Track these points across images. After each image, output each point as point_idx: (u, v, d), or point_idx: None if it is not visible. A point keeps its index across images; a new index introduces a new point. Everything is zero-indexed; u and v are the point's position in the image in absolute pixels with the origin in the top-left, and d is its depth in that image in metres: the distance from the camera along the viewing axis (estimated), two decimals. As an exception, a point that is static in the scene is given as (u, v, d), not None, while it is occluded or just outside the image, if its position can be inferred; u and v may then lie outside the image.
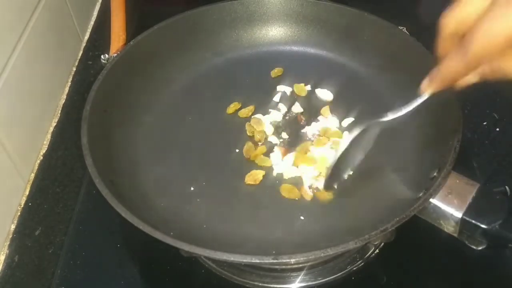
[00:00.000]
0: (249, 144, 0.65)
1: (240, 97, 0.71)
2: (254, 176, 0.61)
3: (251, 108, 0.69)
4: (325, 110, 0.69)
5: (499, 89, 0.74)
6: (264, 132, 0.67)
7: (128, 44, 0.70)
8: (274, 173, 0.63)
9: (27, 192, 0.67)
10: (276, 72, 0.74)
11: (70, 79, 0.82)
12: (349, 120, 0.67)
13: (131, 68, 0.68)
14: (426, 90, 0.47)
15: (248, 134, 0.67)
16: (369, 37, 0.72)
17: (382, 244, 0.59)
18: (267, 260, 0.47)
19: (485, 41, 0.37)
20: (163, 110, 0.70)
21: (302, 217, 0.58)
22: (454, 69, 0.42)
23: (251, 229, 0.57)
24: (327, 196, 0.59)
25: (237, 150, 0.65)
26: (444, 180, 0.52)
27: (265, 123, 0.67)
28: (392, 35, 0.69)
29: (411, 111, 0.51)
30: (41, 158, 0.71)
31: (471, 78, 0.43)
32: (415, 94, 0.49)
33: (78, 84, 0.80)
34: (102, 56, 0.78)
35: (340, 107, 0.69)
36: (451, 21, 0.42)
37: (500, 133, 0.70)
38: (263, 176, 0.62)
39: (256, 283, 0.58)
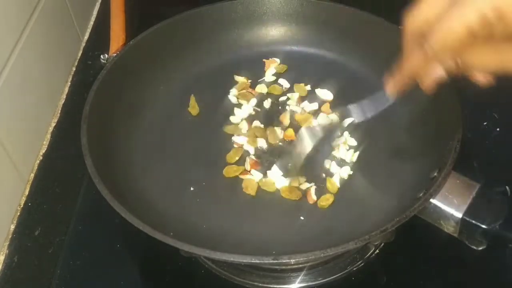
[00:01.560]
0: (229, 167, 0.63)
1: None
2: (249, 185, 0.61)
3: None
4: (326, 107, 0.69)
5: (499, 89, 0.74)
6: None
7: (128, 44, 0.70)
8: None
9: (27, 192, 0.67)
10: (281, 67, 0.74)
11: (70, 79, 0.82)
12: (349, 120, 0.67)
13: (131, 68, 0.68)
14: (392, 90, 0.49)
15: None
16: (369, 37, 0.72)
17: (382, 244, 0.59)
18: (267, 260, 0.47)
19: (444, 37, 0.39)
20: (163, 110, 0.70)
21: (302, 218, 0.58)
22: (416, 65, 0.44)
23: (251, 229, 0.57)
24: (328, 201, 0.59)
25: (237, 150, 0.65)
26: (444, 180, 0.52)
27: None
28: (392, 35, 0.69)
29: (378, 113, 0.54)
30: (41, 158, 0.71)
31: (438, 73, 0.44)
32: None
33: (78, 84, 0.80)
34: (102, 56, 0.78)
35: (340, 107, 0.69)
36: (415, 21, 0.43)
37: (500, 133, 0.70)
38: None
39: (256, 283, 0.58)
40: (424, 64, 0.43)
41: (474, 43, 0.39)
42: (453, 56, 0.41)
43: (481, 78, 0.44)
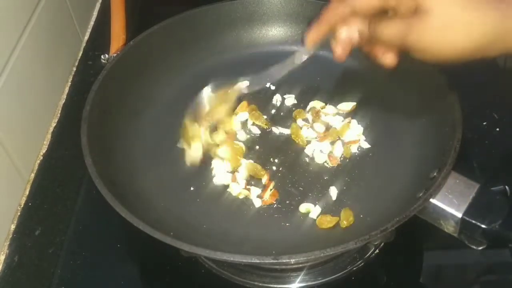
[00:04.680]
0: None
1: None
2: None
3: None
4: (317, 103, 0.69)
5: (499, 89, 0.74)
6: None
7: (128, 44, 0.70)
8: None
9: (27, 192, 0.67)
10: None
11: (70, 79, 0.82)
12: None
13: (131, 68, 0.68)
14: (310, 42, 0.54)
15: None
16: (369, 37, 0.71)
17: (382, 244, 0.59)
18: (267, 260, 0.47)
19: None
20: (163, 110, 0.70)
21: (301, 217, 0.58)
22: (334, 18, 0.50)
23: (251, 229, 0.57)
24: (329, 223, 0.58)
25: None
26: (444, 180, 0.52)
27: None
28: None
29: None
30: (41, 158, 0.71)
31: (351, 33, 0.50)
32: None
33: (78, 84, 0.80)
34: (102, 56, 0.78)
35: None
36: None
37: (500, 133, 0.70)
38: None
39: (256, 283, 0.58)
40: (341, 20, 0.50)
41: (384, 17, 0.47)
42: (367, 21, 0.48)
43: (386, 58, 0.50)
